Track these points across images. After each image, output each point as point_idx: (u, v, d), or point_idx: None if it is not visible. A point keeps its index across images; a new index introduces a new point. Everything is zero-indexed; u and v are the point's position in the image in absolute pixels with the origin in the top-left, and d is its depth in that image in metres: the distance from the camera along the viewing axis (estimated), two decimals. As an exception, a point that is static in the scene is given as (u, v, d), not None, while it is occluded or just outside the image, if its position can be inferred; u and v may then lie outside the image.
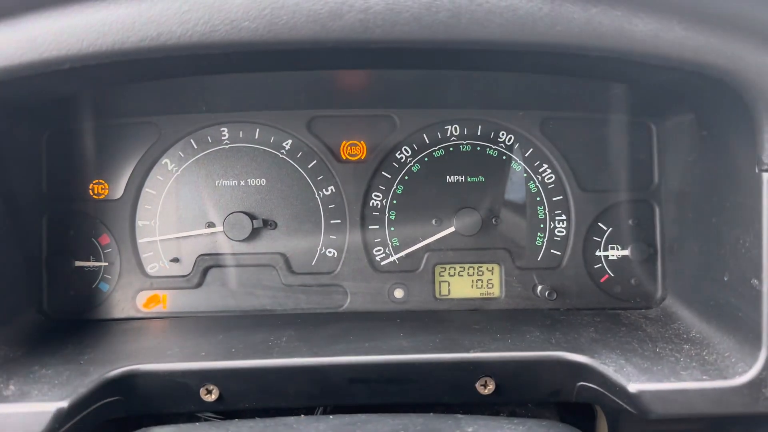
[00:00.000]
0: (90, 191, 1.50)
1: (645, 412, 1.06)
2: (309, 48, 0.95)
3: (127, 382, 1.14)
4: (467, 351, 1.20)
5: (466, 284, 1.52)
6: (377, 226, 1.53)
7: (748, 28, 0.95)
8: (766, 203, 1.01)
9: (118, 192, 1.50)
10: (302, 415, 1.06)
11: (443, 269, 1.53)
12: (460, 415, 1.06)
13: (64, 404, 1.02)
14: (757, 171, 1.02)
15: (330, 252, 1.52)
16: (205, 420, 1.35)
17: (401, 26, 0.93)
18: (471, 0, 0.92)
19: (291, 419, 1.04)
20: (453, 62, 1.06)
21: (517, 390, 1.22)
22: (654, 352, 1.20)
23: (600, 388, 1.15)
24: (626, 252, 1.51)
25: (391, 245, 1.53)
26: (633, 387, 1.07)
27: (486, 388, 1.21)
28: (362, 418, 1.03)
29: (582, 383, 1.19)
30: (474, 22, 0.92)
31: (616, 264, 1.52)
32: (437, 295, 1.52)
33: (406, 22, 0.92)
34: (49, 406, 1.02)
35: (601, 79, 1.19)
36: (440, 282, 1.52)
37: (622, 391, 1.09)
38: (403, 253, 1.52)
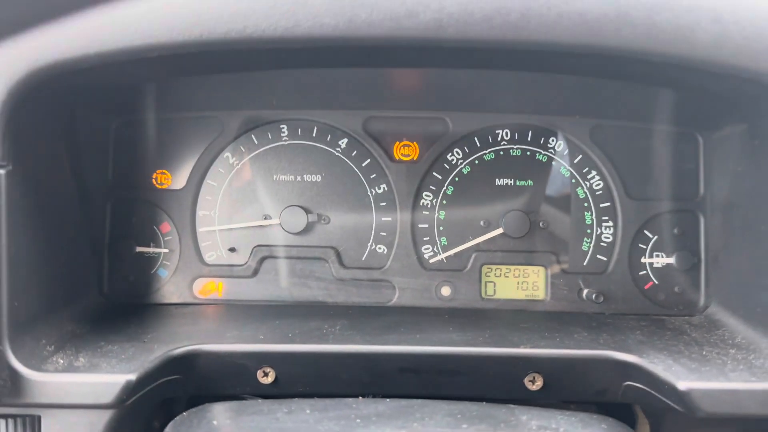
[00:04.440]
0: (153, 180, 1.56)
1: (694, 410, 1.06)
2: (384, 45, 1.00)
3: (189, 361, 1.18)
4: (517, 346, 1.21)
5: (512, 285, 1.54)
6: (427, 225, 1.56)
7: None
8: (819, 211, 1.04)
9: (181, 182, 1.55)
10: (360, 398, 1.10)
11: (489, 270, 1.55)
12: (512, 405, 1.09)
13: (132, 377, 1.06)
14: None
15: (380, 248, 1.56)
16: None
17: (473, 26, 0.96)
18: (541, 3, 0.96)
19: (350, 400, 1.07)
20: (518, 63, 1.09)
21: (564, 387, 1.23)
22: (701, 354, 1.20)
23: (647, 388, 1.15)
24: (671, 260, 1.52)
25: (440, 244, 1.56)
26: (683, 385, 1.07)
27: (534, 383, 1.22)
28: (419, 402, 1.06)
29: (628, 383, 1.19)
30: (543, 25, 0.96)
31: (661, 271, 1.52)
32: (483, 295, 1.54)
33: (478, 22, 0.96)
34: (118, 377, 1.06)
35: (658, 86, 1.22)
36: (486, 282, 1.55)
37: (670, 390, 1.09)
38: (451, 252, 1.55)
